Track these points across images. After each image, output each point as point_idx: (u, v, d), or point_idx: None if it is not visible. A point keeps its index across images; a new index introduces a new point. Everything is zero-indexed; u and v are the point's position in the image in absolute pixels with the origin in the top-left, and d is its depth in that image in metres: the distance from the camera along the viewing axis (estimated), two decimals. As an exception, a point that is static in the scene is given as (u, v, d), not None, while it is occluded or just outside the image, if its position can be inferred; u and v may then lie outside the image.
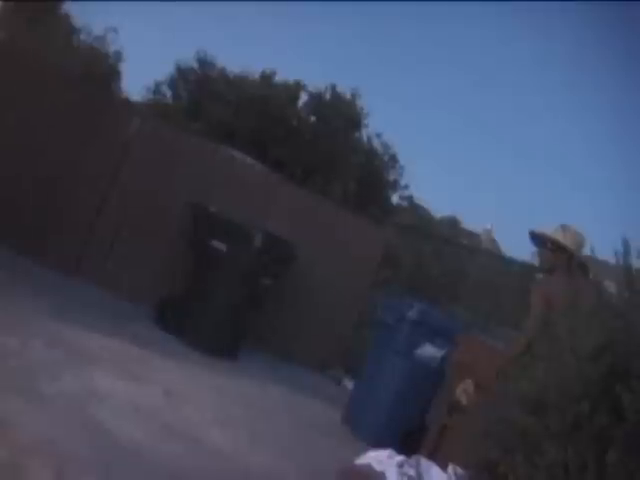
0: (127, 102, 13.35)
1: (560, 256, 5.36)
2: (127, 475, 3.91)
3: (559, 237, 5.38)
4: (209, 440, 5.05)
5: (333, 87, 19.82)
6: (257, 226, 8.06)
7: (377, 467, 4.19)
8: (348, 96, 19.50)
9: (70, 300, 7.24)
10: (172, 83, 22.22)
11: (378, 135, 20.81)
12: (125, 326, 7.29)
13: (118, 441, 4.27)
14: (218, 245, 7.86)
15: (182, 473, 4.26)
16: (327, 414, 7.49)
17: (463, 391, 5.83)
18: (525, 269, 13.40)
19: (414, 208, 24.03)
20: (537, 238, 5.56)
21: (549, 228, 5.50)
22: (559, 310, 3.97)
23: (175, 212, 8.66)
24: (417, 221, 22.65)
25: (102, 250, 8.66)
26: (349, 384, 8.91)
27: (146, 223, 8.75)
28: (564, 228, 5.45)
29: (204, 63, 21.89)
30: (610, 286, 3.57)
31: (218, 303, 7.92)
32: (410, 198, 23.77)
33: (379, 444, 5.00)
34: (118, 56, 23.10)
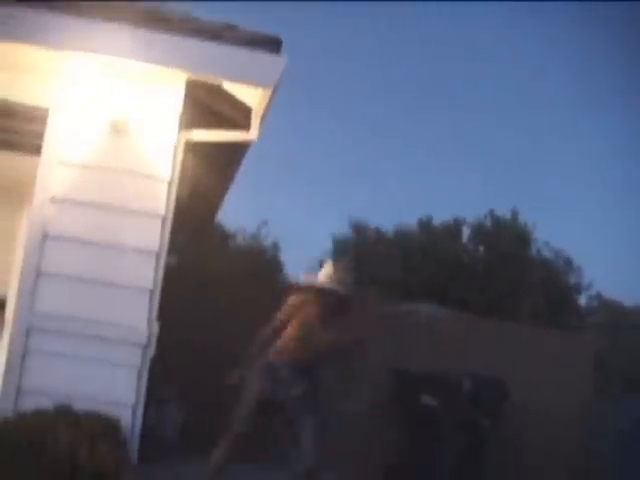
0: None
1: None
2: None
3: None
4: None
5: (492, 213, 19.91)
6: (461, 371, 7.96)
7: None
8: (508, 217, 19.53)
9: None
10: (334, 257, 22.82)
11: (547, 244, 20.62)
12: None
13: None
14: (429, 401, 7.80)
15: None
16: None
17: None
18: None
19: (605, 304, 23.21)
20: None
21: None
22: None
23: (375, 381, 8.66)
24: (611, 317, 21.81)
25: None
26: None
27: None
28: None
29: (358, 229, 22.49)
30: None
31: (442, 456, 7.75)
32: (598, 296, 23.08)
33: None
34: (275, 247, 24.10)
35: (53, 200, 5.86)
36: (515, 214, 18.93)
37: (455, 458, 7.72)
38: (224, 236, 23.03)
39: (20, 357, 5.69)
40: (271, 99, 5.98)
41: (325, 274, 5.62)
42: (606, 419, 7.53)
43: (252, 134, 6.31)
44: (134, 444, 5.75)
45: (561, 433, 9.28)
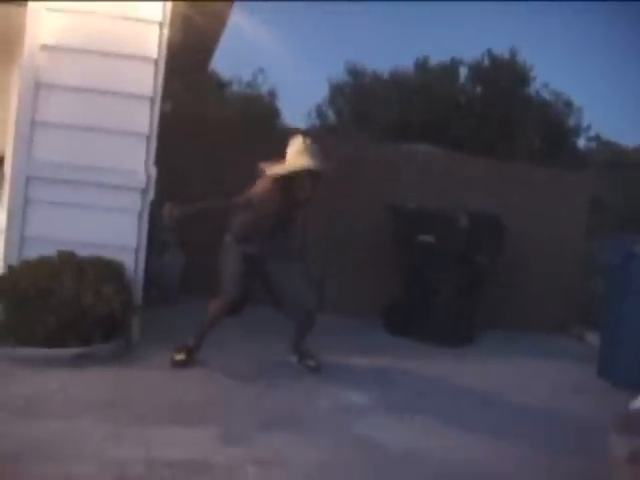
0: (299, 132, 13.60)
1: None
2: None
3: None
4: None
5: (489, 52, 19.63)
6: (458, 208, 8.00)
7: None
8: (506, 56, 19.24)
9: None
10: (330, 101, 22.67)
11: (546, 85, 20.43)
12: (358, 340, 7.45)
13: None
14: (425, 238, 7.90)
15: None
16: (579, 372, 7.32)
17: None
18: None
19: (604, 145, 23.20)
20: None
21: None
22: None
23: (372, 220, 8.77)
24: (610, 157, 21.81)
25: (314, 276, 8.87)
26: (593, 338, 8.66)
27: (348, 239, 8.91)
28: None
29: (355, 73, 22.25)
30: None
31: (441, 293, 7.91)
32: (597, 137, 23.06)
33: (645, 387, 4.83)
34: (272, 94, 23.88)
35: (44, 48, 5.78)
36: (514, 53, 18.57)
37: (452, 294, 7.88)
38: (219, 84, 22.77)
39: (21, 206, 5.76)
40: None
41: (294, 151, 5.54)
42: (600, 255, 7.66)
43: (243, -27, 6.14)
44: (138, 287, 5.89)
45: (556, 269, 9.48)
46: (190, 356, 5.56)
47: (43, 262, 5.44)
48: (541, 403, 5.89)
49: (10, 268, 5.46)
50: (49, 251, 5.50)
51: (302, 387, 5.41)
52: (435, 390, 5.89)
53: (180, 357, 5.50)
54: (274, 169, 5.51)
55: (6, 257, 5.70)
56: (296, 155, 5.49)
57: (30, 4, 5.80)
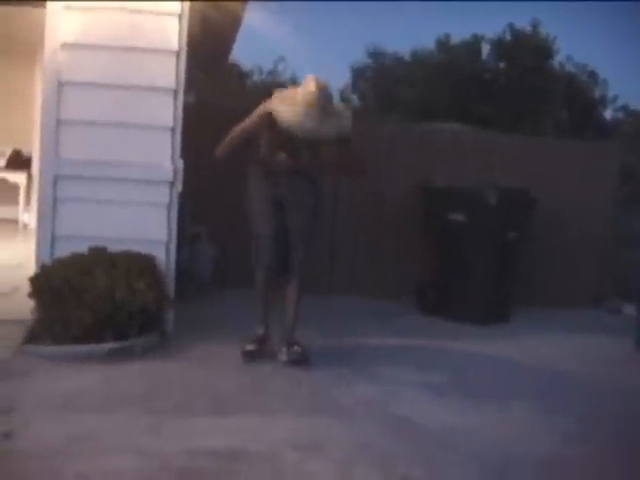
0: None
1: None
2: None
3: None
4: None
5: (511, 26, 19.39)
6: (487, 185, 7.95)
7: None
8: (528, 29, 19.01)
9: (330, 312, 7.42)
10: (353, 86, 22.60)
11: (569, 57, 20.18)
12: (392, 322, 7.45)
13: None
14: (455, 217, 7.86)
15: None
16: (616, 345, 7.26)
17: None
18: None
19: (633, 115, 22.90)
20: None
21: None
22: None
23: (402, 200, 8.73)
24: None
25: (346, 260, 8.87)
26: (630, 309, 8.59)
27: (378, 220, 8.88)
28: None
29: (376, 55, 22.14)
30: None
31: (473, 271, 7.88)
32: (624, 107, 22.76)
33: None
34: (294, 82, 23.85)
35: (64, 46, 5.79)
36: (535, 26, 18.36)
37: (485, 272, 7.84)
38: (241, 74, 22.79)
39: (51, 205, 5.79)
40: None
41: (302, 98, 5.07)
42: (631, 225, 7.57)
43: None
44: (170, 280, 5.90)
45: (589, 241, 9.38)
46: (260, 345, 5.52)
47: (75, 259, 5.46)
48: (582, 376, 5.86)
49: (43, 267, 5.50)
50: (80, 248, 5.53)
51: (338, 370, 5.40)
52: (472, 369, 5.86)
53: (250, 347, 5.46)
54: (276, 105, 5.20)
55: (38, 256, 5.74)
56: (301, 102, 5.10)
57: (49, 4, 5.81)
